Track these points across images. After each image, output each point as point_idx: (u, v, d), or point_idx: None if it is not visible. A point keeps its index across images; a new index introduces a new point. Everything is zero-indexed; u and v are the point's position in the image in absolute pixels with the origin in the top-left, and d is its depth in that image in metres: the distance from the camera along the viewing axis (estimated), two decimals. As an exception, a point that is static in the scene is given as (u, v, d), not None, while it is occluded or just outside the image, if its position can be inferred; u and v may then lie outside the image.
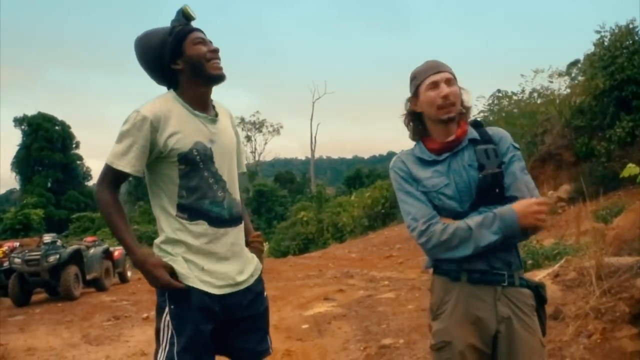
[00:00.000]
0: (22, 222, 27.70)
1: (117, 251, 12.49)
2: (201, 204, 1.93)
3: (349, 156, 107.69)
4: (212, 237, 1.95)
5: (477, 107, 21.40)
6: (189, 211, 1.93)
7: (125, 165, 1.89)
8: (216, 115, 2.05)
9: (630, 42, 12.26)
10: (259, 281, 2.12)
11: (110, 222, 1.91)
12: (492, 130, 1.95)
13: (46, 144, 41.28)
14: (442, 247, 1.80)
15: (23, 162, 41.79)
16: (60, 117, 43.39)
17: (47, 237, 10.55)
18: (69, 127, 43.71)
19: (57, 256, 9.82)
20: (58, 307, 9.17)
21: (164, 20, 2.04)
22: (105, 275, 11.40)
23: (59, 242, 10.50)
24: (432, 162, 1.92)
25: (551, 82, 15.44)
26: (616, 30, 12.61)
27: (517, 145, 1.93)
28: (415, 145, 2.01)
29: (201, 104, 2.00)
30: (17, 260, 9.85)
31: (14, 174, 42.70)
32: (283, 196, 39.49)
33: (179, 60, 1.95)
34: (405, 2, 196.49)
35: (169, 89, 2.03)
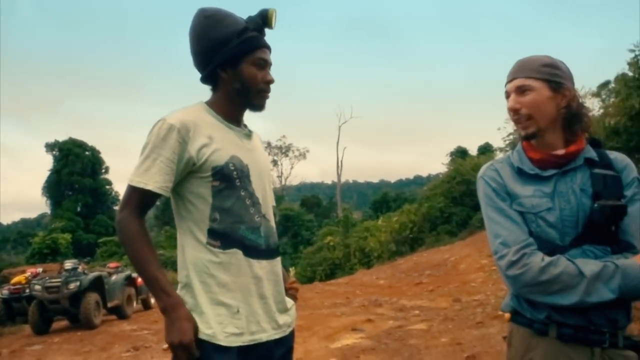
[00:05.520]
0: (50, 247, 27.98)
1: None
2: (236, 229, 1.61)
3: (375, 180, 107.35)
4: (248, 270, 1.61)
5: (501, 136, 20.96)
6: (223, 238, 1.59)
7: (148, 182, 1.54)
8: (250, 132, 1.75)
9: (667, 60, 11.74)
10: (292, 335, 1.79)
11: (135, 255, 1.54)
12: (613, 154, 1.56)
13: (76, 169, 42.02)
14: (536, 288, 1.42)
15: (53, 187, 42.57)
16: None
17: (68, 264, 10.39)
18: (98, 152, 44.57)
19: (78, 283, 9.61)
20: (77, 336, 8.92)
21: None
22: (127, 303, 11.16)
23: (80, 269, 10.32)
24: (534, 176, 1.53)
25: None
26: (652, 49, 12.11)
27: None
28: (512, 151, 1.64)
29: (235, 119, 1.72)
30: (37, 287, 9.68)
31: (44, 198, 43.57)
32: (309, 220, 39.17)
33: (230, 70, 1.65)
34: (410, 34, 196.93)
35: (202, 80, 1.72)
